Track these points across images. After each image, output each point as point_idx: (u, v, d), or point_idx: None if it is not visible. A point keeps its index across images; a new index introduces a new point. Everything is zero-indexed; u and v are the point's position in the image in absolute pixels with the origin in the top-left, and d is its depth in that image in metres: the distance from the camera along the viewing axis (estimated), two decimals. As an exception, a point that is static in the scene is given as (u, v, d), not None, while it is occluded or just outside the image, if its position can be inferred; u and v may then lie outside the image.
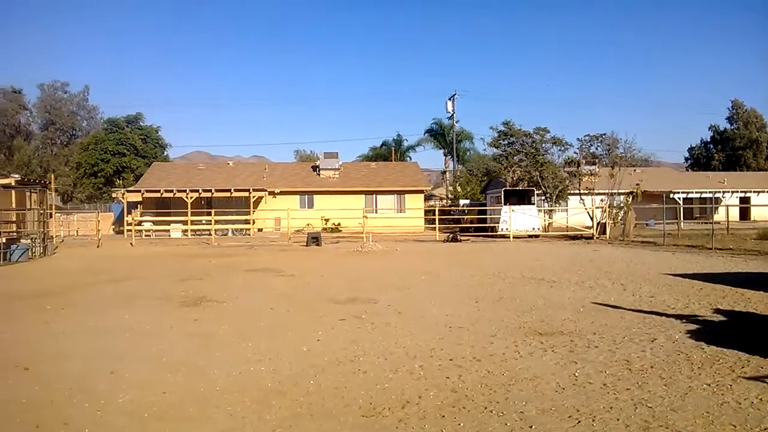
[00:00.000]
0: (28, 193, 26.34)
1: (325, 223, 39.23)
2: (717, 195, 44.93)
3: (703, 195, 46.45)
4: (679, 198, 42.95)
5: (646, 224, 38.39)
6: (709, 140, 74.49)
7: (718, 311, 9.42)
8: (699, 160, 73.78)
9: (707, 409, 5.02)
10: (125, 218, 36.85)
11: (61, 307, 10.69)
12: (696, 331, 7.92)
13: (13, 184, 26.03)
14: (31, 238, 23.00)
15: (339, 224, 39.16)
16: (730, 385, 5.62)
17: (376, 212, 40.89)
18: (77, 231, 40.38)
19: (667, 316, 9.03)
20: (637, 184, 33.83)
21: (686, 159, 78.35)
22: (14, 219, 25.24)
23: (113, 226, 42.33)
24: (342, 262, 19.55)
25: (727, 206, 38.46)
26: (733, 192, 46.31)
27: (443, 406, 5.20)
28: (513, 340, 7.62)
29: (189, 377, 6.18)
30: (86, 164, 58.59)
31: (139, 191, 39.26)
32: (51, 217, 30.91)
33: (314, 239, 27.02)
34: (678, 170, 67.32)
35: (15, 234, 23.75)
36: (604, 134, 35.84)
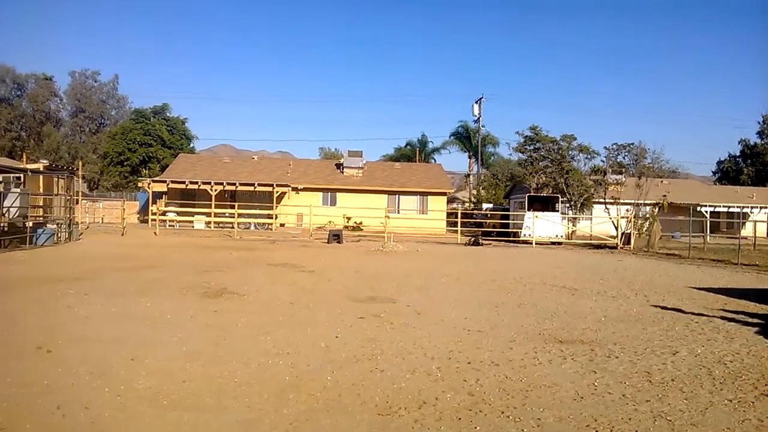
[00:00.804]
0: (55, 179, 26.74)
1: (347, 221, 39.33)
2: (745, 210, 44.23)
3: (731, 209, 45.75)
4: (706, 211, 42.29)
5: (672, 236, 37.92)
6: (738, 154, 73.14)
7: (742, 325, 9.26)
8: (728, 173, 72.46)
9: (728, 425, 4.94)
10: (150, 208, 37.37)
11: (84, 292, 10.82)
12: (718, 346, 7.80)
13: (41, 169, 26.53)
14: (57, 224, 23.38)
15: (361, 223, 39.21)
16: (753, 402, 5.53)
17: (398, 212, 40.91)
18: (102, 218, 40.98)
19: (690, 329, 8.91)
20: (664, 196, 33.36)
21: (714, 173, 76.98)
22: (41, 204, 25.64)
23: (138, 215, 42.83)
24: (363, 260, 19.56)
25: (755, 222, 37.83)
26: (762, 207, 45.43)
27: (460, 409, 5.18)
28: (532, 346, 7.57)
29: (208, 367, 6.23)
30: (113, 153, 59.46)
31: (165, 181, 39.58)
32: (77, 203, 31.38)
33: (335, 237, 27.10)
34: (706, 183, 66.31)
35: (41, 218, 24.15)
36: (632, 144, 35.39)
